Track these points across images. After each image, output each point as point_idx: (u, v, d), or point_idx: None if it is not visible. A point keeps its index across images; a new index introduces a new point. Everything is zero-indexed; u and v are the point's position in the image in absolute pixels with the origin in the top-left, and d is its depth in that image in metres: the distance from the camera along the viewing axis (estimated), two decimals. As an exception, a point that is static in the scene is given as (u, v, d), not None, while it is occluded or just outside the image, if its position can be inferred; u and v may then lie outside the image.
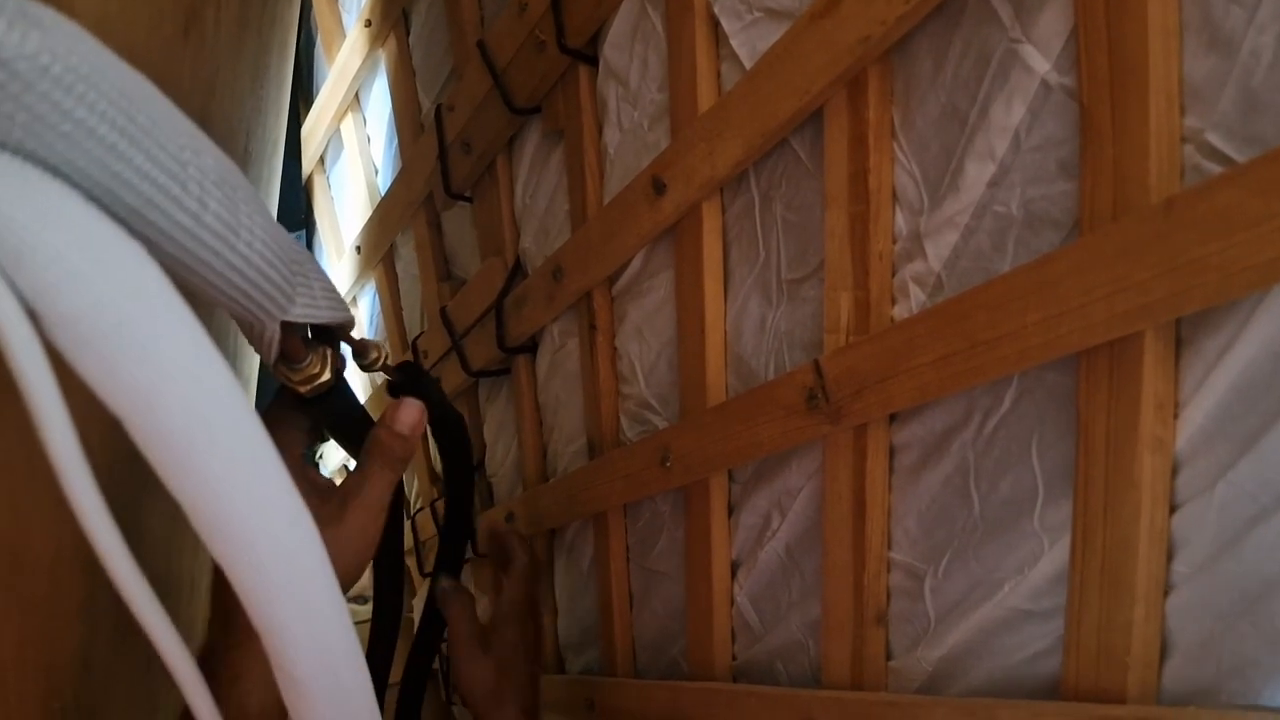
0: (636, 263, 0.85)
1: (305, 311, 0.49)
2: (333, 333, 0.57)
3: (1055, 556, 0.50)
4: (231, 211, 0.38)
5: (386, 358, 0.63)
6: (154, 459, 0.33)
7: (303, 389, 0.56)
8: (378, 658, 0.77)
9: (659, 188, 0.75)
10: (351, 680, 0.42)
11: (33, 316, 0.29)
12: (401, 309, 1.40)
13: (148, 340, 0.31)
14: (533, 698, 0.79)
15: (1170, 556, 0.45)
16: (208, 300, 0.42)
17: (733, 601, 0.78)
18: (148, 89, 0.33)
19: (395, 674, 0.82)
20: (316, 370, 0.56)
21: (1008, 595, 0.53)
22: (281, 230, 0.46)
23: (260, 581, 0.37)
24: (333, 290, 0.54)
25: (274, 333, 0.48)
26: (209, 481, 0.34)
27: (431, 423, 0.65)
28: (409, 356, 1.32)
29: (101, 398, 0.31)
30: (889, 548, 0.61)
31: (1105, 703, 0.46)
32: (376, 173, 1.40)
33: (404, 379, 0.66)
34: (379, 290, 1.44)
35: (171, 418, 0.32)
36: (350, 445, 0.64)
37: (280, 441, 0.49)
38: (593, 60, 0.86)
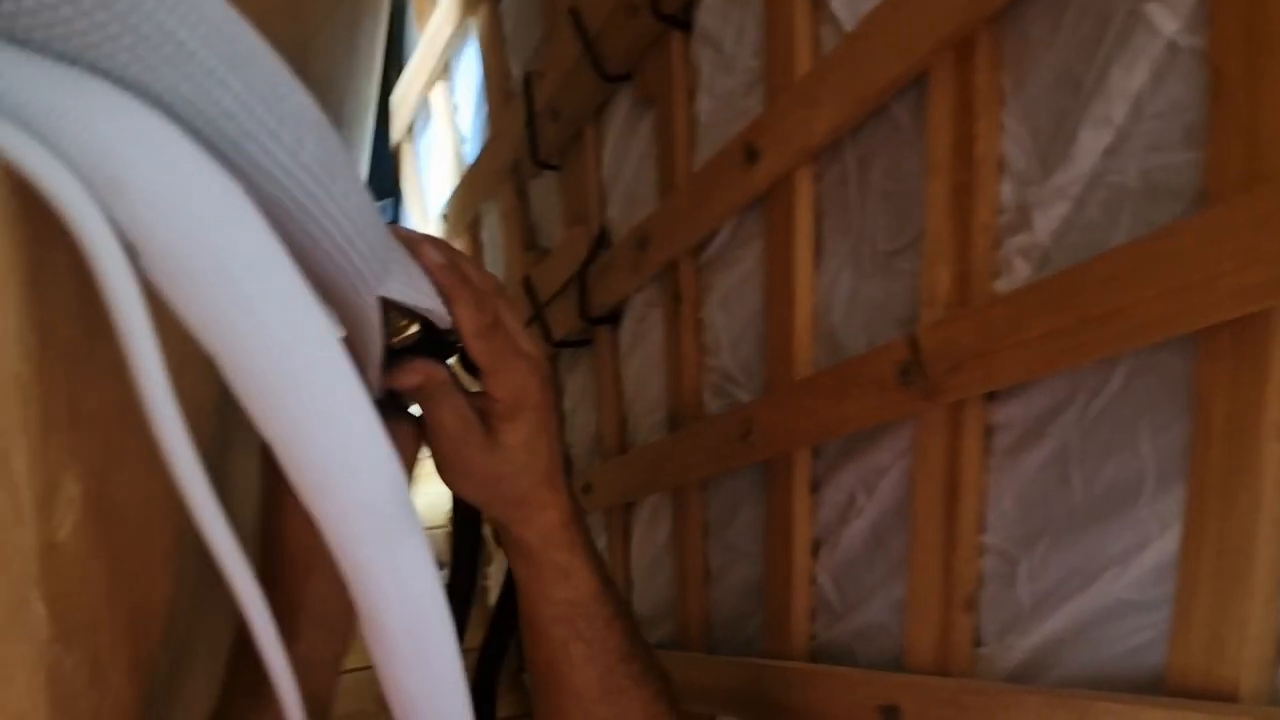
0: (725, 232, 0.83)
1: (402, 289, 0.47)
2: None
3: (1163, 545, 0.48)
4: (327, 157, 0.37)
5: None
6: (244, 397, 0.33)
7: (394, 341, 0.55)
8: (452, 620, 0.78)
9: (751, 155, 0.74)
10: (437, 635, 0.42)
11: (130, 251, 0.29)
12: (485, 278, 1.40)
13: (243, 278, 0.31)
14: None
15: (1293, 549, 0.42)
16: (313, 261, 0.41)
17: (813, 580, 0.76)
18: (242, 23, 0.32)
19: (471, 640, 0.83)
20: (404, 323, 0.56)
21: (1109, 584, 0.51)
22: (377, 208, 0.45)
23: (346, 529, 0.37)
24: (427, 282, 0.52)
25: (375, 308, 0.46)
26: (298, 424, 0.34)
27: None
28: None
29: (195, 333, 0.31)
30: (982, 531, 0.59)
31: (1214, 700, 0.43)
32: (464, 141, 1.40)
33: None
34: (463, 258, 1.45)
35: (263, 357, 0.32)
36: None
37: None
38: (686, 25, 0.84)
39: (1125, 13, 0.48)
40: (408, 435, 0.51)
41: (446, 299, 0.49)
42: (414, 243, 0.48)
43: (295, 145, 0.36)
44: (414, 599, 0.41)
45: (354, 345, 0.49)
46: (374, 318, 0.46)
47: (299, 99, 0.36)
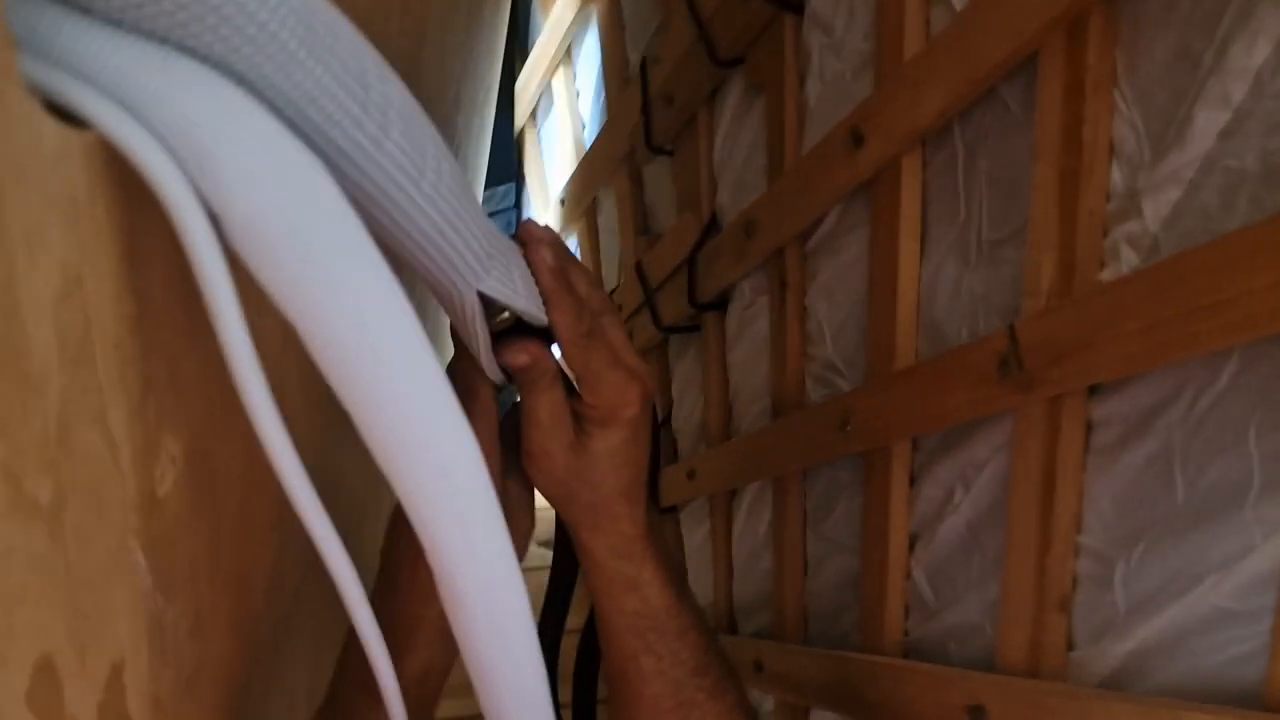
0: (831, 218, 0.82)
1: (500, 288, 0.48)
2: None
3: (1269, 553, 0.45)
4: (416, 148, 0.38)
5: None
6: (323, 366, 0.34)
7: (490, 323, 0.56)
8: (555, 603, 0.79)
9: (857, 139, 0.72)
10: (509, 600, 0.43)
11: (214, 220, 0.30)
12: (600, 263, 1.42)
13: (320, 248, 0.32)
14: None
15: None
16: (400, 249, 0.42)
17: (908, 575, 0.75)
18: (329, 9, 0.33)
19: (575, 620, 0.84)
20: (502, 316, 0.56)
21: (1209, 591, 0.48)
22: (478, 204, 0.46)
23: (421, 495, 0.38)
24: (532, 286, 0.53)
25: (474, 305, 0.47)
26: (373, 393, 0.35)
27: None
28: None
29: (276, 302, 0.33)
30: (1078, 530, 0.57)
31: (1313, 717, 0.41)
32: (584, 127, 1.42)
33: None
34: (580, 243, 1.46)
35: (340, 326, 0.33)
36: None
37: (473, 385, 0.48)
38: (798, 9, 0.83)
39: (1247, -14, 0.45)
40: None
41: (546, 302, 0.49)
42: (533, 240, 0.49)
43: (379, 133, 0.37)
44: (486, 564, 0.41)
45: (457, 332, 0.50)
46: (473, 309, 0.47)
47: (388, 89, 0.37)
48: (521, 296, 0.48)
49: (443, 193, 0.41)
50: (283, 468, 0.33)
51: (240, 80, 0.32)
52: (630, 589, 0.51)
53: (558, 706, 0.85)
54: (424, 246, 0.42)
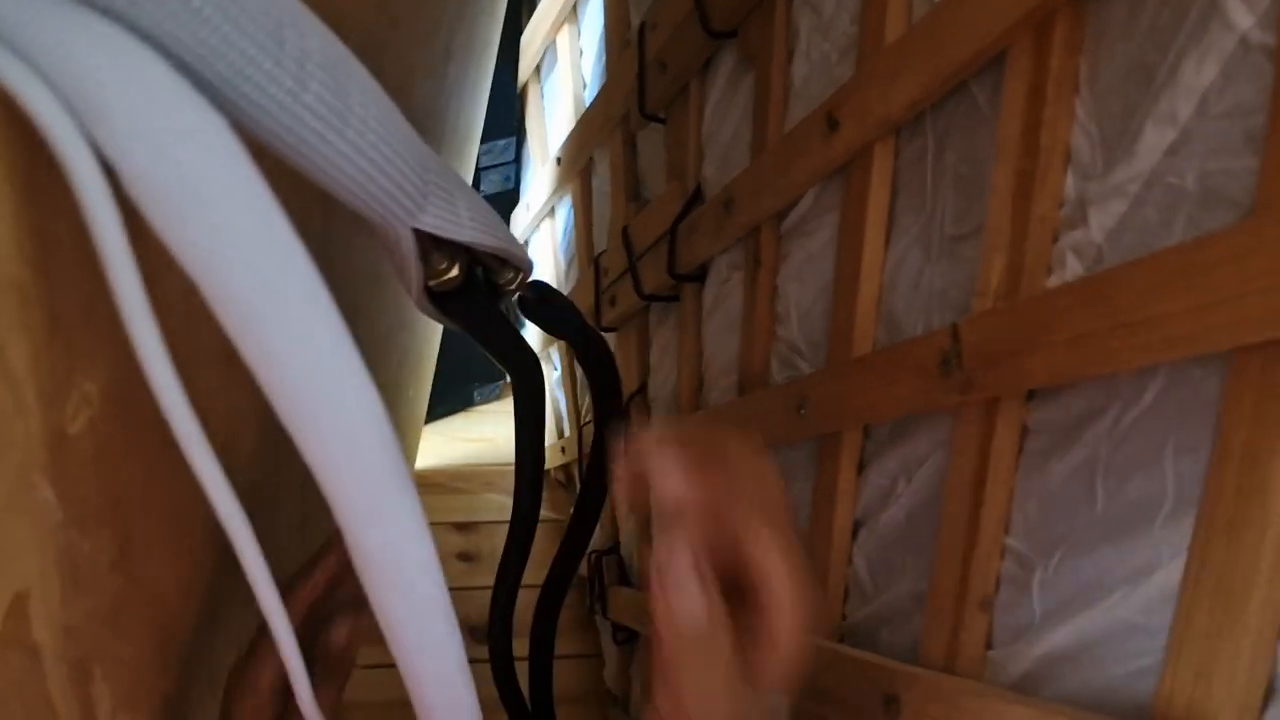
0: (807, 200, 0.82)
1: (439, 223, 0.47)
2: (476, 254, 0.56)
3: (1173, 570, 0.46)
4: (339, 98, 0.38)
5: (523, 279, 0.62)
6: (223, 323, 0.35)
7: (429, 282, 0.56)
8: (512, 558, 0.79)
9: (832, 124, 0.72)
10: (419, 557, 0.43)
11: (110, 173, 0.31)
12: (592, 224, 1.41)
13: (215, 205, 0.32)
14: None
15: (1295, 592, 0.40)
16: (334, 192, 0.43)
17: (850, 560, 0.75)
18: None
19: (536, 577, 0.84)
20: (444, 265, 0.56)
21: (1117, 604, 0.49)
22: (412, 140, 0.46)
23: (324, 451, 0.39)
24: (484, 215, 0.51)
25: (409, 241, 0.47)
26: (272, 349, 0.35)
27: (572, 345, 0.64)
28: (592, 272, 1.34)
29: (177, 258, 0.33)
30: (1006, 532, 0.57)
31: (1190, 737, 0.41)
32: (585, 86, 1.41)
33: (535, 296, 0.66)
34: (574, 204, 1.46)
35: (236, 282, 0.34)
36: (495, 354, 0.65)
37: None
38: (791, -16, 0.82)
39: (1205, 2, 0.44)
40: None
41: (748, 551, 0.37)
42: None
43: (296, 88, 0.37)
44: (393, 524, 0.42)
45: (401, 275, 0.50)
46: (407, 247, 0.48)
47: (306, 43, 0.37)
48: (467, 228, 0.47)
49: (369, 139, 0.41)
50: (170, 409, 0.34)
51: (143, 36, 0.32)
52: None
53: (511, 662, 0.85)
54: (351, 188, 0.42)
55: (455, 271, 0.57)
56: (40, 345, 0.31)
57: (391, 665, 0.45)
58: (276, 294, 0.35)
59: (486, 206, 0.52)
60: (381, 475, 0.41)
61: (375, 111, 0.42)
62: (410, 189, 0.46)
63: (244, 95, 0.35)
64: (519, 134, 1.68)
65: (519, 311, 0.67)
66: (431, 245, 0.54)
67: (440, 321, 0.61)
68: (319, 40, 0.38)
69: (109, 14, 0.31)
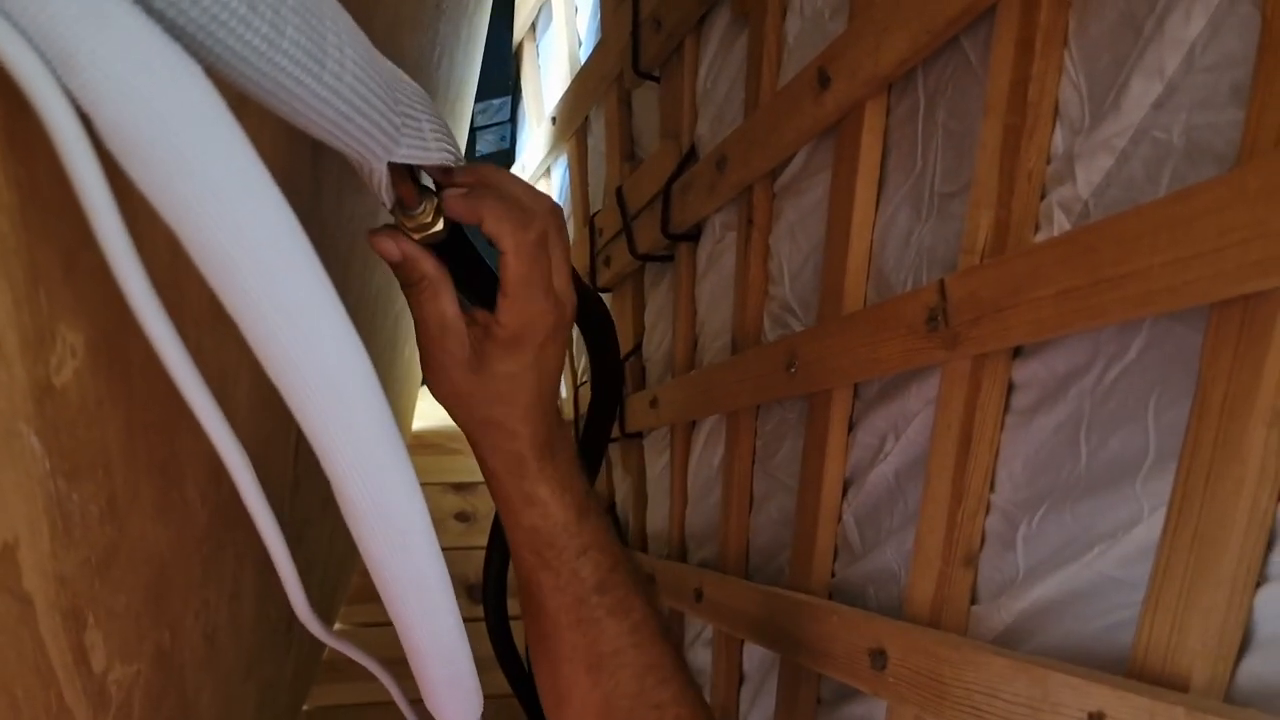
0: (799, 159, 0.81)
1: (411, 153, 0.48)
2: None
3: (1153, 525, 0.46)
4: (315, 41, 0.38)
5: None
6: (204, 272, 0.35)
7: (416, 236, 0.56)
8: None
9: (824, 81, 0.71)
10: (402, 504, 0.43)
11: (85, 121, 0.31)
12: (588, 184, 1.41)
13: (190, 153, 0.32)
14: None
15: (1271, 545, 0.40)
16: (312, 133, 0.43)
17: (840, 518, 0.76)
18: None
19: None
20: (429, 220, 0.56)
21: (1097, 558, 0.49)
22: (388, 68, 0.46)
23: (307, 401, 0.39)
24: (445, 132, 0.53)
25: (382, 174, 0.48)
26: (253, 298, 0.35)
27: None
28: (587, 232, 1.33)
29: (156, 208, 0.33)
30: (991, 489, 0.58)
31: (1163, 688, 0.42)
32: (580, 44, 1.39)
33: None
34: (569, 163, 1.45)
35: (215, 231, 0.33)
36: (478, 301, 0.65)
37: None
38: (784, -60, 0.81)
39: (1192, -46, 0.44)
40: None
41: (482, 212, 0.47)
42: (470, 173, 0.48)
43: (272, 33, 0.36)
44: (375, 469, 0.42)
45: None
46: (380, 179, 0.48)
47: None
48: (434, 150, 0.48)
49: (346, 80, 0.41)
50: (168, 357, 0.34)
51: (119, -15, 0.32)
52: (526, 505, 0.50)
53: (506, 620, 0.86)
54: (331, 130, 0.42)
55: (440, 225, 0.57)
56: (20, 295, 0.31)
57: (388, 623, 0.46)
58: (254, 242, 0.35)
59: (444, 123, 0.53)
60: (368, 426, 0.41)
61: (351, 52, 0.42)
62: (386, 125, 0.46)
63: (220, 41, 0.35)
64: (514, 93, 1.67)
65: (470, 297, 0.67)
66: (410, 186, 0.54)
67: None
68: (296, -14, 0.38)
69: (79, -37, 0.30)
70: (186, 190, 0.33)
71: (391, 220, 0.55)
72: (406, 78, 0.50)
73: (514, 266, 0.47)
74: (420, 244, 0.57)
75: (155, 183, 0.33)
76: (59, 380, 0.35)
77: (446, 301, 0.48)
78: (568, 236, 0.51)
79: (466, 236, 0.61)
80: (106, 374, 0.41)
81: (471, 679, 0.49)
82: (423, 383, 0.61)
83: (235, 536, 0.65)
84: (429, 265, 0.48)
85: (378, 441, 0.42)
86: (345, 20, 0.42)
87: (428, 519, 0.45)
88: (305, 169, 0.58)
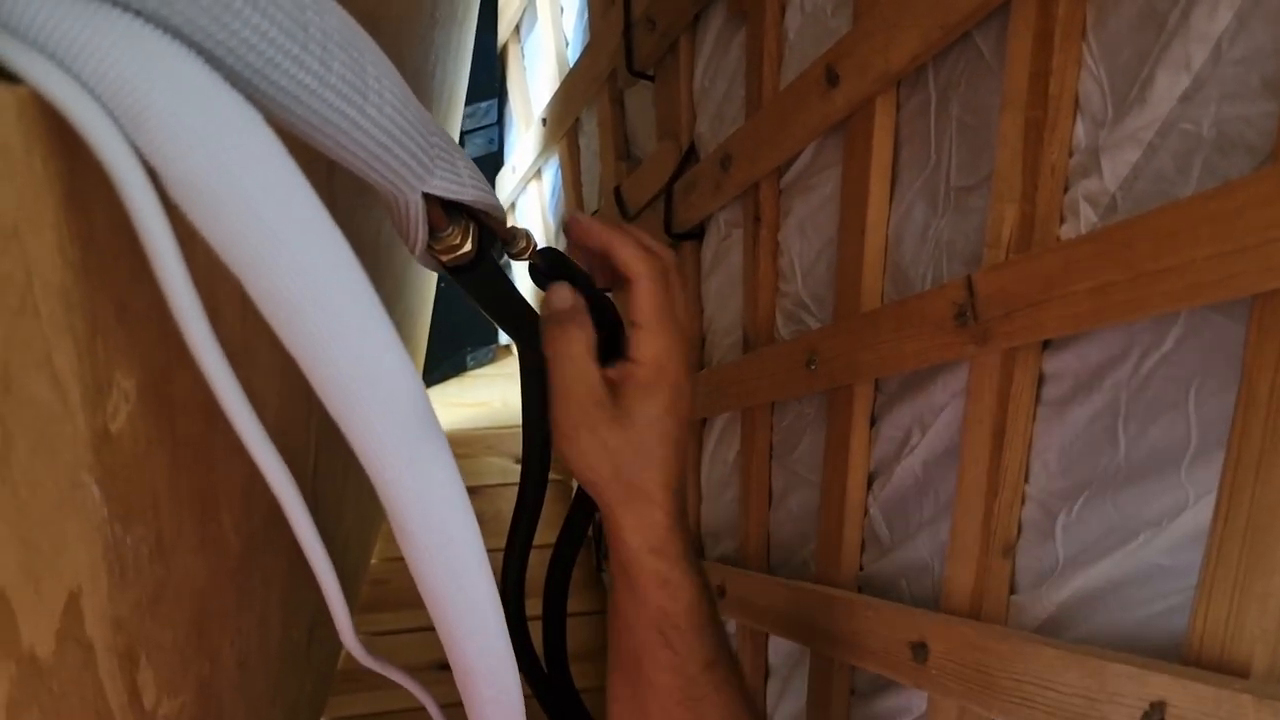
0: (806, 156, 0.81)
1: (446, 185, 0.48)
2: (479, 217, 0.57)
3: (1199, 512, 0.47)
4: (358, 74, 0.38)
5: (534, 246, 0.62)
6: (267, 317, 0.35)
7: (444, 258, 0.56)
8: (523, 518, 0.79)
9: (832, 78, 0.72)
10: (460, 531, 0.43)
11: (154, 176, 0.31)
12: (582, 185, 1.41)
13: (258, 203, 0.32)
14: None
15: (1325, 530, 0.41)
16: (349, 167, 0.43)
17: (866, 512, 0.76)
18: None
19: (547, 537, 0.84)
20: (457, 241, 0.56)
21: (1142, 546, 0.50)
22: (418, 105, 0.46)
23: (369, 438, 0.39)
24: (480, 176, 0.53)
25: (417, 205, 0.48)
26: (317, 342, 0.36)
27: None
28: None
29: (220, 256, 0.33)
30: (1026, 479, 0.58)
31: (1224, 674, 0.42)
32: (567, 44, 1.39)
33: (546, 264, 0.66)
34: (562, 165, 1.45)
35: (280, 278, 0.34)
36: (504, 324, 0.65)
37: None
38: (781, -63, 0.81)
39: (1215, -53, 0.44)
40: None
41: (611, 246, 0.46)
42: (574, 221, 0.47)
43: (321, 69, 0.36)
44: (438, 505, 0.42)
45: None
46: (415, 210, 0.48)
47: (326, 22, 0.36)
48: (469, 188, 0.48)
49: (386, 111, 0.41)
50: (224, 399, 0.34)
51: (174, 31, 0.32)
52: (659, 586, 0.47)
53: (524, 622, 0.86)
54: (369, 162, 0.42)
55: (469, 246, 0.57)
56: (83, 347, 0.31)
57: (398, 631, 0.46)
58: (323, 293, 0.35)
59: (476, 167, 0.53)
60: (437, 460, 0.42)
61: (388, 83, 0.42)
62: (421, 155, 0.47)
63: (273, 83, 0.35)
64: (500, 96, 1.66)
65: (530, 278, 0.67)
66: (439, 211, 0.54)
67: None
68: (336, 19, 0.38)
69: (142, 13, 0.30)
70: (257, 240, 0.34)
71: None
72: (434, 121, 0.50)
73: (652, 293, 0.44)
74: (447, 266, 0.57)
75: (225, 233, 0.33)
76: (115, 426, 0.35)
77: (586, 341, 0.45)
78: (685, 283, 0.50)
79: (495, 262, 0.60)
80: (155, 416, 0.41)
81: (517, 696, 0.49)
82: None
83: (263, 562, 0.65)
84: (566, 292, 0.47)
85: (449, 481, 0.43)
86: (381, 56, 0.42)
87: (479, 537, 0.45)
88: (322, 182, 0.58)
